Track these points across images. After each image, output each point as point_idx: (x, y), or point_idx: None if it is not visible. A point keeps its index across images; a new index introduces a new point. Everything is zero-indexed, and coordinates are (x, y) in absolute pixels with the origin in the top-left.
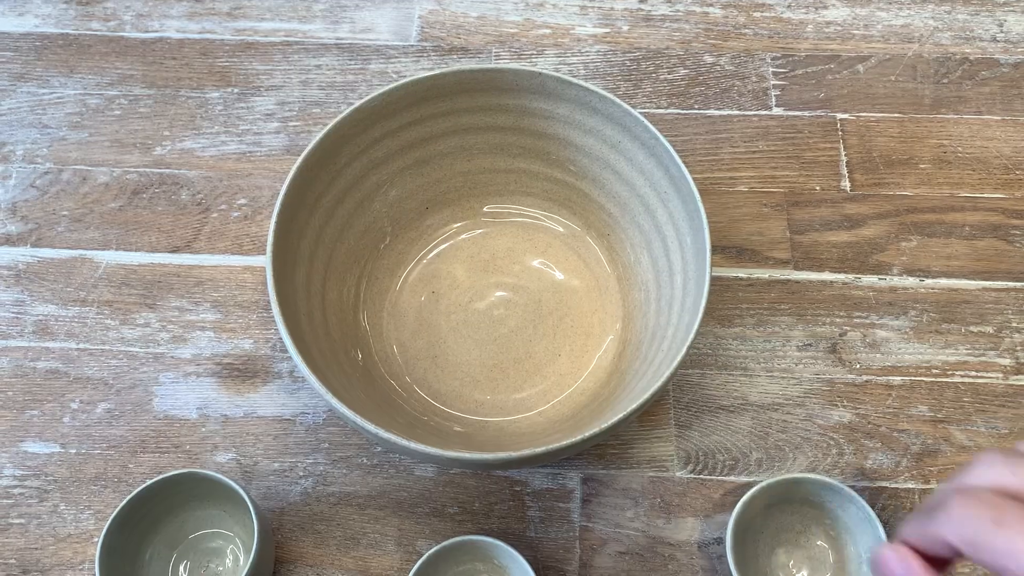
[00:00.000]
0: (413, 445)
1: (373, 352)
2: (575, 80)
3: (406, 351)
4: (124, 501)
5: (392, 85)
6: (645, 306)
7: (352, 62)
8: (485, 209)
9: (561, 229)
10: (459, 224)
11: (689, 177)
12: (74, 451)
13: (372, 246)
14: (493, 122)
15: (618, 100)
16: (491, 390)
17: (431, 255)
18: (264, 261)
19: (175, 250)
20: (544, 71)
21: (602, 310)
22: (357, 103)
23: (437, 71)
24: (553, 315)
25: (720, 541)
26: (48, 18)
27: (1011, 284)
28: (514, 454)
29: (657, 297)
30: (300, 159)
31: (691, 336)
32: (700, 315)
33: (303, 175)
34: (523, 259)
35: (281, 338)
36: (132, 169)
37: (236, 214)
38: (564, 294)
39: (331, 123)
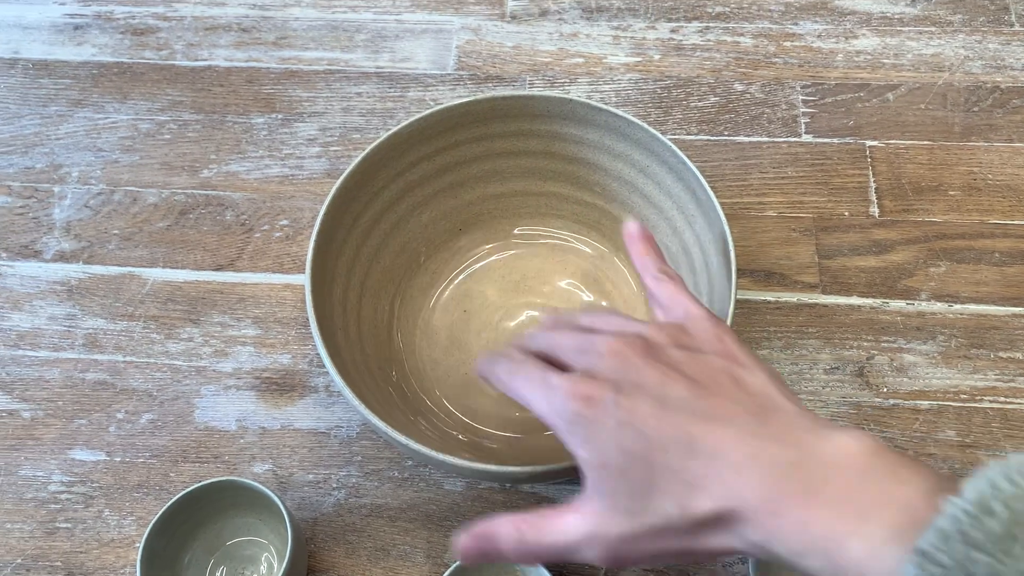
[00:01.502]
0: (442, 457)
1: (406, 368)
2: (604, 106)
3: (438, 368)
4: (165, 507)
5: (427, 111)
6: None
7: (391, 90)
8: (516, 231)
9: (590, 251)
10: (491, 245)
11: (715, 200)
12: (119, 459)
13: (406, 266)
14: (525, 147)
15: (646, 125)
16: (520, 407)
17: (463, 275)
18: (303, 279)
19: (219, 268)
20: (575, 98)
21: None
22: (394, 128)
23: (471, 98)
24: None
25: (744, 560)
26: (105, 48)
27: None
28: (540, 468)
29: None
30: (339, 182)
31: None
32: None
33: (342, 197)
34: (552, 280)
35: (318, 353)
36: (180, 191)
37: (278, 234)
38: None
39: (368, 148)
